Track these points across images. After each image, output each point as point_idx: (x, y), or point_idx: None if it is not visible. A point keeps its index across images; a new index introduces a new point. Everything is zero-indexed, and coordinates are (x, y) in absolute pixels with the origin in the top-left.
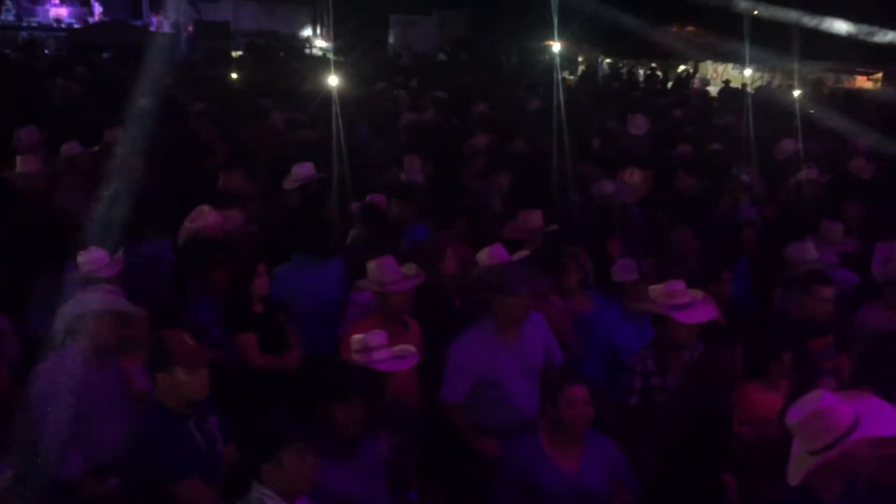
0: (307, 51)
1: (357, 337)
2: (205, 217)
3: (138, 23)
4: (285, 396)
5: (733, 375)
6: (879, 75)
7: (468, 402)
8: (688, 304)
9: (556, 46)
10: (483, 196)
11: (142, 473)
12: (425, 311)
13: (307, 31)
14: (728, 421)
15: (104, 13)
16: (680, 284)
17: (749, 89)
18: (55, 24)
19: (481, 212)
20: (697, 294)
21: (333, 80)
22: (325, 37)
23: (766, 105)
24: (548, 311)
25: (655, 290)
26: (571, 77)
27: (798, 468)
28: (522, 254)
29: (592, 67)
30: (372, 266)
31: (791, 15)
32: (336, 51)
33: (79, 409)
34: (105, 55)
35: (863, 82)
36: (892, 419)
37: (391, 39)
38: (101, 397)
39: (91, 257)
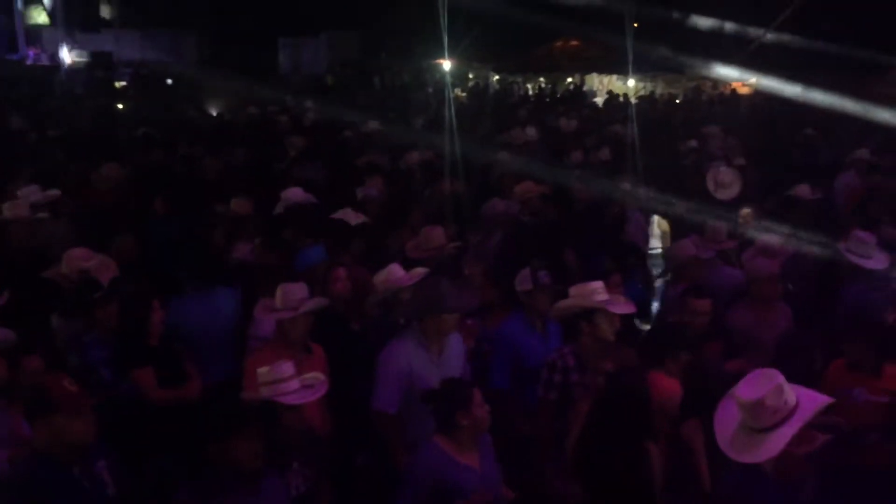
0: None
1: (263, 370)
2: (84, 260)
3: (14, 56)
4: (178, 435)
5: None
6: (754, 80)
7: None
8: (609, 300)
9: (446, 65)
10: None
11: None
12: (322, 336)
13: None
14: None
15: None
16: (599, 283)
17: (632, 99)
18: None
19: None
20: (615, 294)
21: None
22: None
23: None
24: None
25: (576, 289)
26: (463, 94)
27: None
28: (420, 272)
29: (482, 83)
30: (279, 292)
31: (670, 19)
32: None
33: None
34: None
35: (738, 87)
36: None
37: (280, 61)
38: None
39: None
